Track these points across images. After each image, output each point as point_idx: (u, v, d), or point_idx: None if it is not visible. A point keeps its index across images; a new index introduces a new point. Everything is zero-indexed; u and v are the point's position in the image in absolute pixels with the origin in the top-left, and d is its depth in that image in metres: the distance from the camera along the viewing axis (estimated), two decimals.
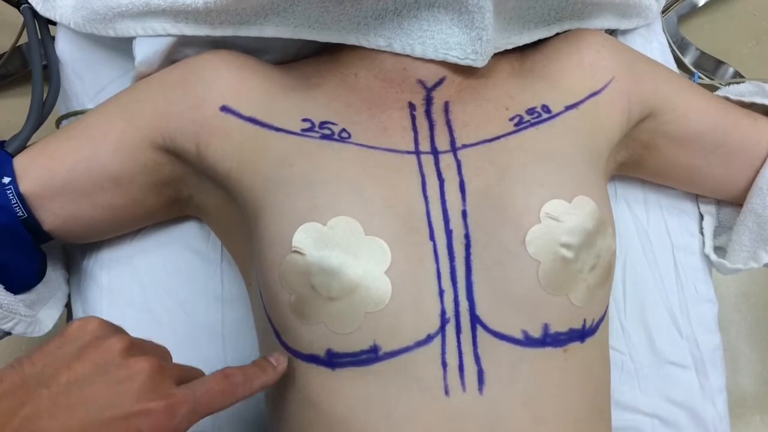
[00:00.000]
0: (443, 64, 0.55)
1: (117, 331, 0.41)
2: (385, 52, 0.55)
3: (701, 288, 0.68)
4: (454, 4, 0.52)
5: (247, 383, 0.43)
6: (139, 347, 0.40)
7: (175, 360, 0.63)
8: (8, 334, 0.55)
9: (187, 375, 0.42)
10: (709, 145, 0.62)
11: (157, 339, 0.61)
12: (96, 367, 0.37)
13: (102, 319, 0.41)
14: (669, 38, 0.77)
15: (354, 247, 0.46)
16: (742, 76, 1.14)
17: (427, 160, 0.51)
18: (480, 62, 0.54)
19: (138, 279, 0.63)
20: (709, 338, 0.67)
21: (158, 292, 0.63)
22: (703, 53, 1.17)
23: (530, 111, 0.54)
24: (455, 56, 0.54)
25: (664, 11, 1.11)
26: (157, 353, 0.42)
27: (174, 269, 0.63)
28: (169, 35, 0.58)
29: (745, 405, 1.02)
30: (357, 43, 0.55)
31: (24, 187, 0.53)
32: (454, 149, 0.51)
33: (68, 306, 0.65)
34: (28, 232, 0.54)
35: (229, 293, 0.63)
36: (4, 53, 1.06)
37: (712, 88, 0.71)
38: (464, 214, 0.49)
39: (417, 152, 0.51)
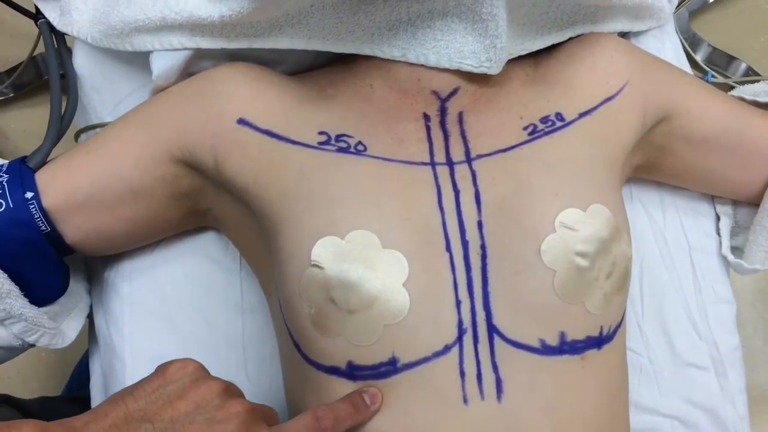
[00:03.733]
0: (457, 74, 0.55)
1: (212, 376, 0.43)
2: (400, 62, 0.55)
3: (719, 289, 0.68)
4: (468, 13, 0.53)
5: (338, 425, 0.44)
6: (234, 390, 0.43)
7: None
8: (32, 345, 0.56)
9: (269, 415, 0.44)
10: (724, 147, 0.62)
11: (177, 348, 0.63)
12: (197, 406, 0.40)
13: (199, 363, 0.43)
14: (680, 34, 0.77)
15: (372, 261, 0.46)
16: (755, 72, 1.14)
17: (443, 172, 0.51)
18: (494, 69, 0.54)
19: (159, 289, 0.64)
20: (727, 339, 0.67)
21: (179, 302, 0.63)
22: (714, 49, 1.17)
23: (544, 119, 0.54)
24: (470, 64, 0.54)
25: (676, 8, 1.10)
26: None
27: (194, 279, 0.64)
28: (186, 49, 0.58)
29: (764, 402, 1.01)
30: (371, 54, 0.56)
31: (47, 201, 0.54)
32: (469, 160, 0.52)
33: (90, 317, 0.66)
34: (51, 246, 0.55)
35: (248, 302, 0.64)
36: (20, 63, 1.08)
37: (726, 87, 0.71)
38: (480, 224, 0.50)
39: (432, 163, 0.52)
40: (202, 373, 0.42)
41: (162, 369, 0.42)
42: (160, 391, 0.40)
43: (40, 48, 0.68)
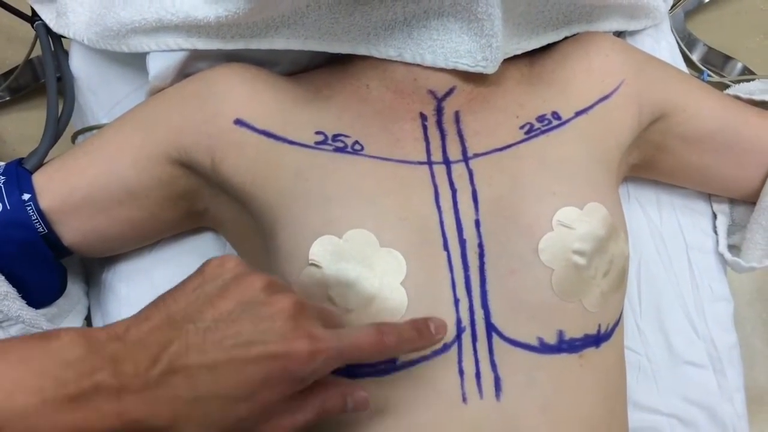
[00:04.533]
0: (453, 73, 0.55)
1: (254, 270, 0.41)
2: (396, 62, 0.55)
3: (716, 287, 0.68)
4: (464, 12, 0.53)
5: (400, 346, 0.41)
6: (280, 285, 0.40)
7: None
8: None
9: (329, 317, 0.41)
10: (720, 145, 0.62)
11: None
12: (240, 304, 0.37)
13: (239, 258, 0.41)
14: (676, 35, 0.77)
15: (370, 259, 0.46)
16: (750, 72, 1.14)
17: (440, 171, 0.51)
18: (490, 69, 0.55)
19: (156, 290, 0.61)
20: (725, 337, 0.67)
21: None
22: (710, 49, 1.17)
23: (540, 118, 0.54)
24: (465, 64, 0.54)
25: (671, 8, 1.11)
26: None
27: None
28: (182, 50, 0.58)
29: (762, 401, 1.01)
30: (367, 54, 0.56)
31: (44, 203, 0.54)
32: (465, 159, 0.52)
33: (87, 319, 0.66)
34: (48, 248, 0.55)
35: None
36: (16, 67, 1.07)
37: (722, 86, 0.71)
38: (477, 223, 0.50)
39: (429, 162, 0.52)
40: (242, 268, 0.39)
41: (201, 269, 0.39)
42: (199, 290, 0.38)
43: (37, 51, 0.68)
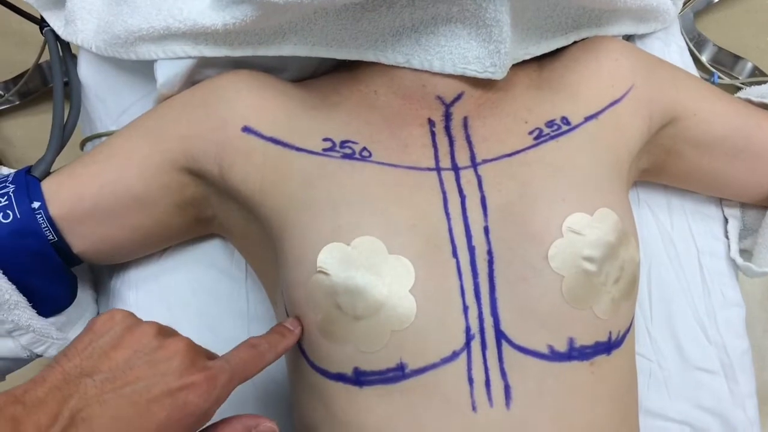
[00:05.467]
0: (461, 79, 0.55)
1: (142, 320, 0.42)
2: (404, 68, 0.55)
3: (728, 293, 0.68)
4: (472, 18, 0.52)
5: (272, 349, 0.45)
6: (169, 330, 0.42)
7: None
8: (39, 356, 0.56)
9: (211, 353, 0.44)
10: (731, 149, 0.61)
11: None
12: (135, 351, 0.39)
13: (125, 310, 0.42)
14: (686, 35, 0.77)
15: (378, 267, 0.46)
16: (761, 71, 1.13)
17: (448, 177, 0.51)
18: (499, 75, 0.54)
19: (165, 298, 0.64)
20: (737, 343, 0.67)
21: (184, 310, 0.63)
22: (720, 49, 1.16)
23: (549, 123, 0.54)
24: (474, 70, 0.54)
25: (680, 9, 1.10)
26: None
27: (199, 288, 0.64)
28: (190, 57, 0.58)
29: None
30: (375, 60, 0.56)
31: (53, 211, 0.54)
32: (474, 165, 0.52)
33: None
34: (58, 256, 0.55)
35: (254, 310, 0.64)
36: (26, 71, 1.08)
37: (733, 88, 0.71)
38: (486, 230, 0.49)
39: (437, 169, 0.51)
40: (132, 319, 0.41)
41: (89, 326, 0.41)
42: (93, 345, 0.39)
43: (46, 55, 0.69)
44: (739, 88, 0.70)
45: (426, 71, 0.55)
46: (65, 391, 0.36)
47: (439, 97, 0.55)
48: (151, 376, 0.38)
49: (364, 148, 0.52)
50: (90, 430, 0.36)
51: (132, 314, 0.42)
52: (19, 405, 0.35)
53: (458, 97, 0.55)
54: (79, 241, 0.56)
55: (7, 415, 0.35)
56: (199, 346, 0.42)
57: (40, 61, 0.86)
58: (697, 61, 1.07)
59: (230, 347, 0.62)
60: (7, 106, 1.16)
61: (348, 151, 0.52)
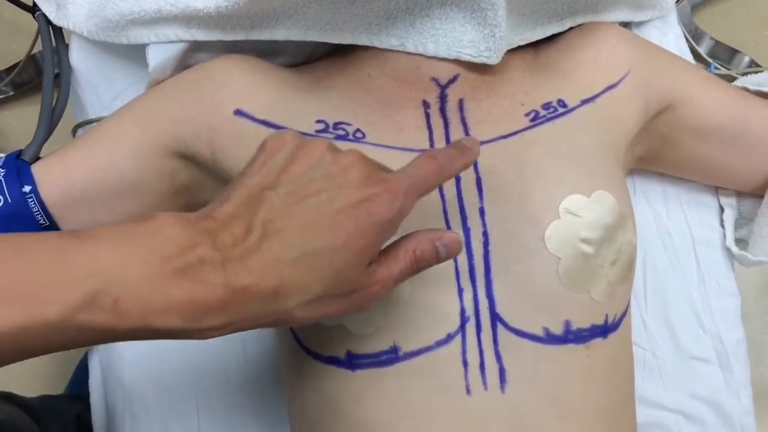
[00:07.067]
0: (456, 61, 0.54)
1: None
2: (398, 51, 0.55)
3: (723, 282, 0.67)
4: (467, 1, 0.52)
5: (451, 163, 0.42)
6: (338, 146, 0.41)
7: (201, 360, 0.63)
8: None
9: (384, 165, 0.42)
10: (728, 137, 0.61)
11: (175, 344, 0.62)
12: (311, 166, 0.38)
13: (293, 129, 0.42)
14: (683, 28, 0.76)
15: None
16: (758, 65, 1.13)
17: None
18: (494, 59, 0.54)
19: None
20: (732, 332, 0.66)
21: None
22: (717, 43, 1.16)
23: (546, 106, 0.53)
24: (468, 54, 0.54)
25: (678, 0, 1.10)
26: None
27: None
28: (182, 41, 0.58)
29: None
30: (369, 44, 0.55)
31: (44, 195, 0.53)
32: None
33: None
34: None
35: None
36: (20, 61, 1.07)
37: (729, 78, 0.70)
38: (482, 211, 0.49)
39: None
40: (301, 137, 0.40)
41: (262, 147, 0.40)
42: (269, 163, 0.39)
43: (40, 46, 0.68)
44: (735, 79, 0.70)
45: (420, 54, 0.54)
46: (252, 206, 0.36)
47: (434, 79, 0.55)
48: (331, 189, 0.37)
49: (358, 130, 0.51)
50: (283, 240, 0.35)
51: (300, 134, 0.41)
52: (211, 220, 0.36)
53: (453, 79, 0.55)
54: (71, 225, 0.55)
55: (201, 228, 0.35)
56: (372, 159, 0.40)
57: (34, 51, 0.85)
58: (694, 52, 1.07)
59: (223, 339, 0.63)
60: (1, 96, 1.16)
61: (341, 132, 0.51)
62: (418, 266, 0.40)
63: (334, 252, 0.36)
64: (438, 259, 0.41)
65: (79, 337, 0.32)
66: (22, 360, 0.33)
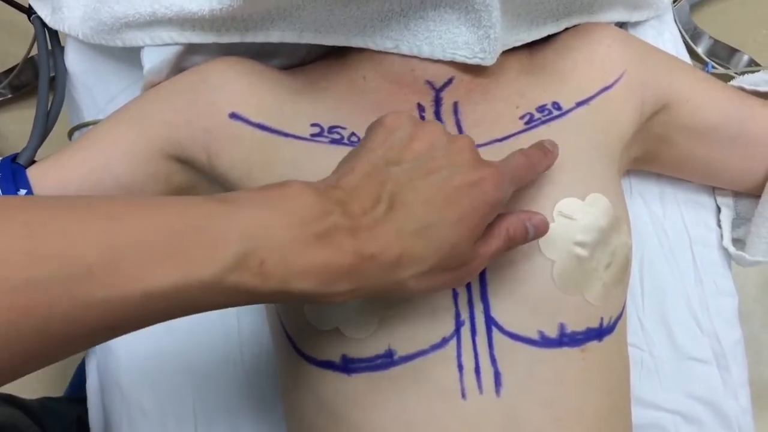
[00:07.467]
0: (451, 64, 0.54)
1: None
2: (393, 53, 0.55)
3: (721, 282, 0.67)
4: (461, 3, 0.52)
5: (541, 161, 0.46)
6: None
7: (198, 363, 0.63)
8: None
9: None
10: (724, 137, 0.61)
11: (173, 345, 0.62)
12: (431, 145, 0.40)
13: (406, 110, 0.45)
14: (681, 27, 0.76)
15: None
16: (757, 64, 1.13)
17: None
18: (488, 61, 0.54)
19: None
20: (729, 332, 0.66)
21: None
22: (716, 41, 1.16)
23: (541, 108, 0.53)
24: (463, 56, 0.54)
25: (675, 0, 1.10)
26: None
27: None
28: (177, 44, 0.58)
29: None
30: (364, 45, 0.55)
31: None
32: None
33: None
34: None
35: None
36: (18, 64, 1.07)
37: (727, 78, 0.70)
38: None
39: None
40: (416, 118, 0.42)
41: (381, 122, 0.42)
42: (390, 139, 0.40)
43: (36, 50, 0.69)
44: (732, 78, 0.69)
45: (415, 56, 0.54)
46: (378, 178, 0.38)
47: (428, 82, 0.54)
48: (449, 167, 0.39)
49: (353, 134, 0.51)
50: (407, 213, 0.37)
51: (413, 115, 0.43)
52: (340, 190, 0.37)
53: (448, 82, 0.55)
54: None
55: (332, 197, 0.36)
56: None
57: (32, 54, 0.85)
58: (691, 51, 1.07)
59: (220, 336, 0.62)
60: (0, 99, 1.16)
61: (336, 136, 0.51)
62: (510, 244, 0.42)
63: (451, 226, 0.38)
64: (527, 238, 0.43)
65: (224, 299, 0.33)
66: (165, 321, 0.33)
